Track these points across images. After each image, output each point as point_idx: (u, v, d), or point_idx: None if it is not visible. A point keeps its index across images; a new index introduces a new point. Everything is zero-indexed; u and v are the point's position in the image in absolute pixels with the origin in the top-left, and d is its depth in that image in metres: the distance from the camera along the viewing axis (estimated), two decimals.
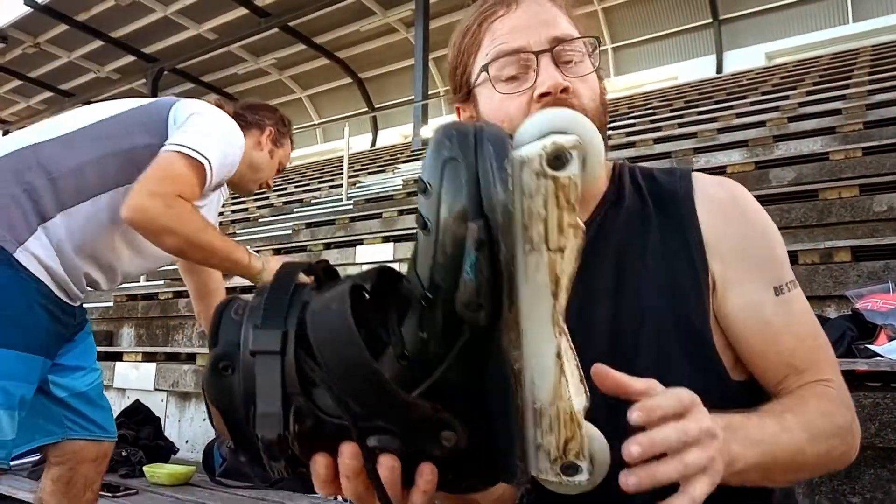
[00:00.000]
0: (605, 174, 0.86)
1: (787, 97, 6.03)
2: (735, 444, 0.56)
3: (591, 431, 0.50)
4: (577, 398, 0.49)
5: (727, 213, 0.79)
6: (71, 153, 1.34)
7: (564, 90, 0.74)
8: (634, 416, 0.50)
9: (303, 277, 0.49)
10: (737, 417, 0.61)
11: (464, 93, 0.83)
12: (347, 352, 0.43)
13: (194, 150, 1.32)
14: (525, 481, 0.49)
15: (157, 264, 1.65)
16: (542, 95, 0.74)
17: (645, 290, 0.77)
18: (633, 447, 0.48)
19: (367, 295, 0.49)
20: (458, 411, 0.46)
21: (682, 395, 0.53)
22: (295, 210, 7.36)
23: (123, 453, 2.23)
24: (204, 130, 1.37)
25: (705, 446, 0.51)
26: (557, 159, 0.45)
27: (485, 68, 0.78)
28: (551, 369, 0.47)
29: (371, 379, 0.43)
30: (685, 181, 0.82)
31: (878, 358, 1.71)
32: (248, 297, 0.50)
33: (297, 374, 0.45)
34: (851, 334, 1.87)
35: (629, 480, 0.48)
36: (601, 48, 0.81)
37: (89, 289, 1.43)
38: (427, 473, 0.48)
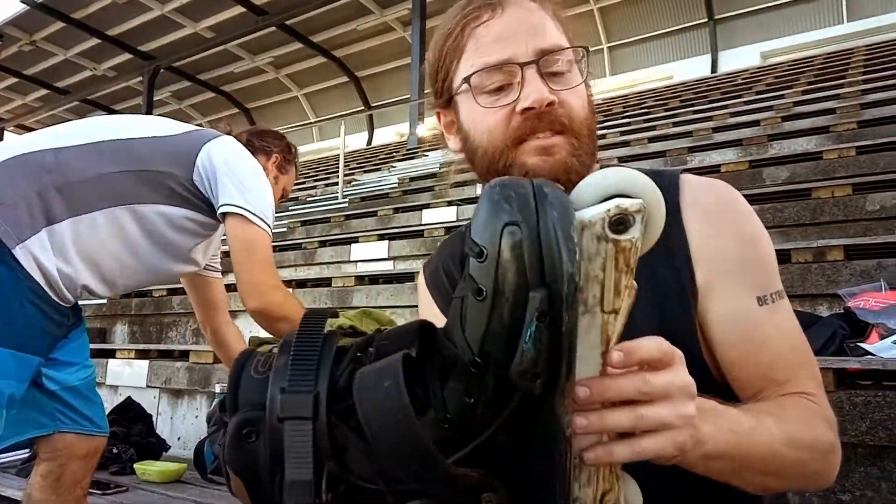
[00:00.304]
0: None
1: (781, 96, 6.05)
2: (707, 425, 0.54)
3: (627, 481, 0.49)
4: None
5: (715, 220, 0.77)
6: (93, 163, 1.36)
7: (550, 104, 0.72)
8: (615, 356, 0.47)
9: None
10: (714, 403, 0.58)
11: (445, 99, 0.80)
12: (401, 430, 0.42)
13: (260, 219, 1.44)
14: None
15: (163, 282, 1.68)
16: (527, 109, 0.72)
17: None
18: (580, 390, 0.46)
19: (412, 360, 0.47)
20: (500, 473, 0.45)
21: (663, 345, 0.50)
22: (290, 208, 7.35)
23: (114, 450, 2.22)
24: (261, 192, 1.47)
25: (672, 404, 0.49)
26: (620, 224, 0.44)
27: (467, 80, 0.75)
28: None
29: (420, 453, 0.42)
30: (672, 187, 0.79)
31: (870, 356, 1.71)
32: (265, 347, 0.48)
33: (330, 438, 0.43)
34: (843, 333, 1.87)
35: (578, 421, 0.47)
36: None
37: (87, 294, 1.43)
38: None
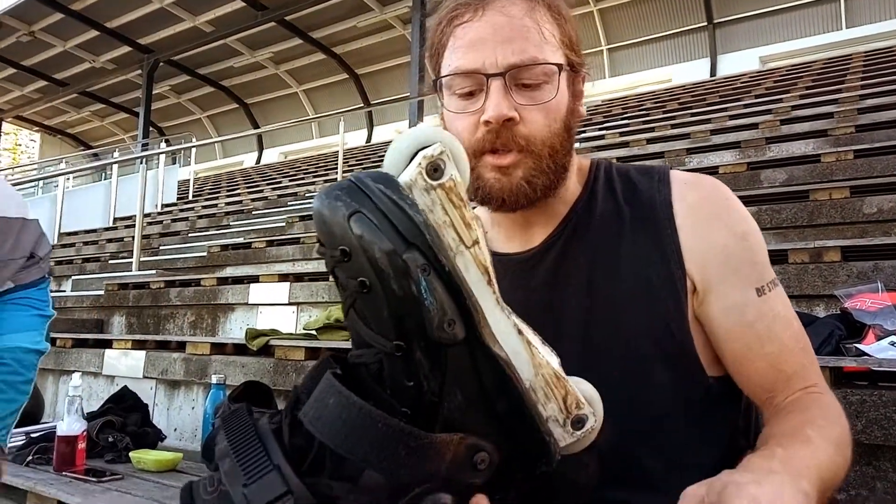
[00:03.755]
0: (575, 177, 0.84)
1: (780, 100, 6.06)
2: (803, 481, 0.53)
3: (573, 379, 0.52)
4: (551, 358, 0.51)
5: (706, 217, 0.78)
6: None
7: (509, 120, 0.72)
8: None
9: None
10: (781, 453, 0.59)
11: (436, 84, 0.81)
12: (369, 427, 0.42)
13: None
14: (558, 451, 0.51)
15: None
16: (487, 122, 0.72)
17: (618, 297, 0.76)
18: None
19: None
20: (479, 431, 0.47)
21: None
22: (289, 203, 7.34)
23: (110, 439, 2.21)
24: None
25: None
26: (436, 170, 0.47)
27: (439, 80, 0.77)
28: (520, 347, 0.49)
29: (398, 436, 0.42)
30: (663, 185, 0.80)
31: (866, 357, 1.72)
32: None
33: (317, 499, 0.43)
34: (840, 333, 1.88)
35: None
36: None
37: None
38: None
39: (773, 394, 0.74)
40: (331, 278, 0.50)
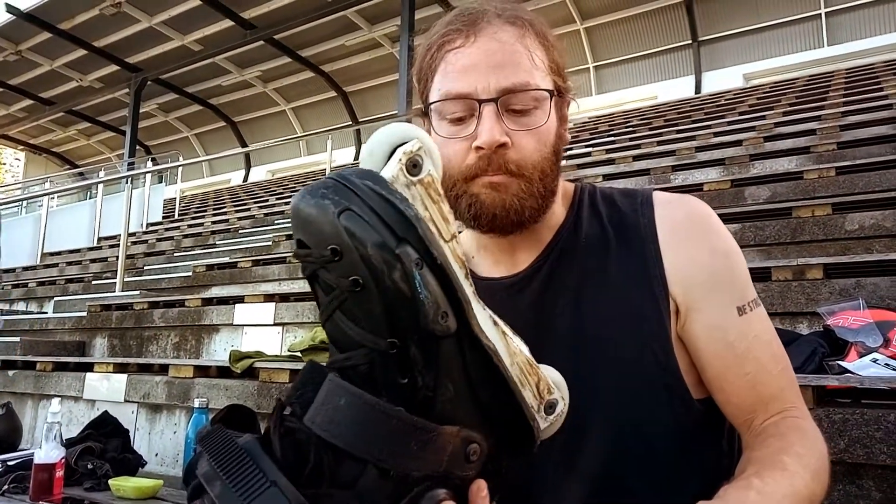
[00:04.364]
0: (560, 201, 0.85)
1: (763, 117, 6.13)
2: None
3: (542, 367, 0.54)
4: (523, 346, 0.52)
5: (688, 236, 0.78)
6: None
7: (501, 146, 0.72)
8: None
9: None
10: (756, 480, 0.60)
11: (424, 109, 0.81)
12: (383, 423, 0.42)
13: None
14: (539, 435, 0.52)
15: None
16: (479, 148, 0.73)
17: (605, 319, 0.77)
18: None
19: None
20: (469, 423, 0.47)
21: None
22: (276, 221, 7.32)
23: (89, 466, 2.17)
24: None
25: None
26: (414, 166, 0.48)
27: (429, 105, 0.77)
28: (497, 336, 0.50)
29: (408, 428, 0.43)
30: (646, 207, 0.81)
31: (848, 374, 1.73)
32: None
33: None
34: (823, 350, 1.88)
35: None
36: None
37: None
38: (478, 491, 0.48)
39: (752, 416, 0.74)
40: (309, 284, 0.48)
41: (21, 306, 6.61)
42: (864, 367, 1.77)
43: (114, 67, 14.50)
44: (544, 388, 0.52)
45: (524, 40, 0.75)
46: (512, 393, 0.50)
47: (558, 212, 0.84)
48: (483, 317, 0.49)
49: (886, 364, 1.77)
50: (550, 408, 0.52)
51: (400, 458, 0.43)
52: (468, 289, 0.49)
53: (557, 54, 0.79)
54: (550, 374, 0.54)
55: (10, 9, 12.69)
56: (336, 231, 0.43)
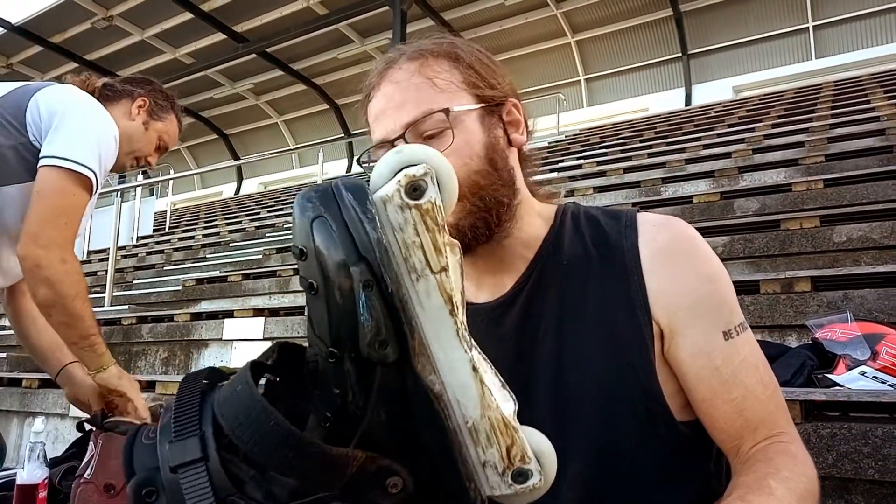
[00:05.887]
0: (541, 221, 0.85)
1: (752, 129, 6.18)
2: None
3: (528, 431, 0.50)
4: (505, 404, 0.49)
5: (673, 260, 0.78)
6: None
7: None
8: None
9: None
10: None
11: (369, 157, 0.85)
12: (261, 422, 0.43)
13: (78, 164, 1.26)
14: (483, 497, 0.49)
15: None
16: None
17: (587, 342, 0.76)
18: None
19: (270, 373, 0.50)
20: (396, 455, 0.46)
21: None
22: (266, 235, 7.30)
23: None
24: (79, 133, 1.29)
25: None
26: (416, 189, 0.47)
27: (365, 153, 0.83)
28: (471, 384, 0.48)
29: (285, 438, 0.43)
30: (630, 229, 0.81)
31: (837, 387, 1.73)
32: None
33: (227, 474, 0.44)
34: (812, 363, 1.89)
35: None
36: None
37: None
38: None
39: (740, 442, 0.73)
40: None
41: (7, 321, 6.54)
42: (853, 380, 1.77)
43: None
44: (517, 453, 0.49)
45: (424, 70, 0.79)
46: (450, 443, 0.48)
47: (538, 231, 0.83)
48: (455, 357, 0.48)
49: (874, 377, 1.77)
50: (521, 476, 0.49)
51: (274, 460, 0.43)
52: (447, 325, 0.47)
53: (479, 67, 0.81)
54: (535, 442, 0.50)
55: (2, 22, 12.69)
56: (306, 234, 0.46)
